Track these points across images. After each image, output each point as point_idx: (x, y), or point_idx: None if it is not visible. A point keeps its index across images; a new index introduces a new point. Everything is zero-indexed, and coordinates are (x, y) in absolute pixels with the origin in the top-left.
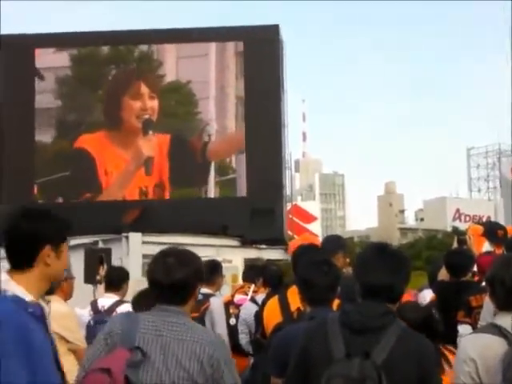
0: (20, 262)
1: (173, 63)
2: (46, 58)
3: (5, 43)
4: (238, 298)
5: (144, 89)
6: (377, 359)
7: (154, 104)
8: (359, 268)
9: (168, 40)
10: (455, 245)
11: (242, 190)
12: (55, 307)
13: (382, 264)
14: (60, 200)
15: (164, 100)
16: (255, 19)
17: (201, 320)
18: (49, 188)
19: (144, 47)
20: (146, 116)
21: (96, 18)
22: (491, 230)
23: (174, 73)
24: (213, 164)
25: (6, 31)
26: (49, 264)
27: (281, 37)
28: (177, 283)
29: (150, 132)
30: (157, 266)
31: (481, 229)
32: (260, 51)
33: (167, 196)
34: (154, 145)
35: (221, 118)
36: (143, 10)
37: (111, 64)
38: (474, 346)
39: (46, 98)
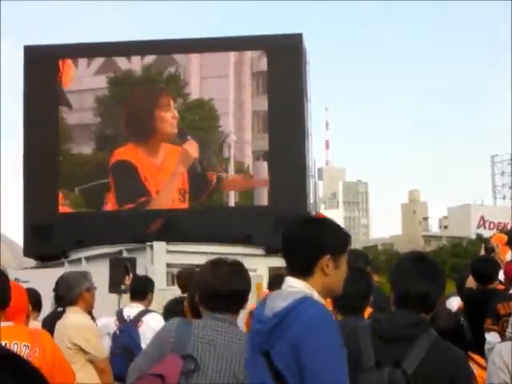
0: (300, 268)
1: (197, 83)
2: (85, 81)
3: (29, 54)
4: None
5: (172, 103)
6: (408, 369)
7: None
8: (396, 276)
9: (191, 49)
10: (482, 252)
11: (259, 195)
12: (74, 318)
13: (419, 273)
14: (108, 207)
15: (190, 115)
16: (278, 28)
17: None
18: (87, 196)
19: (172, 69)
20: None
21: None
22: None
23: (198, 91)
24: (232, 169)
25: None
26: (327, 274)
27: (304, 45)
28: (235, 293)
29: (189, 137)
30: (212, 275)
31: (505, 238)
32: (283, 60)
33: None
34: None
35: (239, 131)
36: (160, 20)
37: (143, 85)
38: (510, 353)
39: (86, 115)
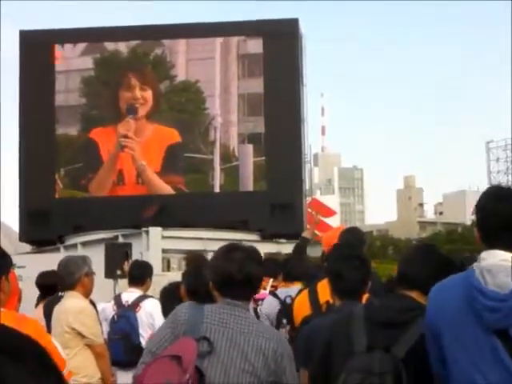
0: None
1: (183, 65)
2: (71, 62)
3: (23, 39)
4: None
5: (135, 82)
6: (398, 353)
7: (146, 94)
8: (402, 262)
9: (185, 34)
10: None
11: (244, 177)
12: (72, 303)
13: (426, 261)
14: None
15: (176, 97)
16: (275, 14)
17: None
18: (70, 177)
19: (158, 51)
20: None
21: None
22: None
23: (184, 73)
24: (218, 152)
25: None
26: None
27: (300, 31)
28: (250, 278)
29: (131, 116)
30: (227, 261)
31: None
32: (279, 45)
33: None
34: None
35: (225, 113)
36: (156, 6)
37: (129, 66)
38: None
39: (72, 96)
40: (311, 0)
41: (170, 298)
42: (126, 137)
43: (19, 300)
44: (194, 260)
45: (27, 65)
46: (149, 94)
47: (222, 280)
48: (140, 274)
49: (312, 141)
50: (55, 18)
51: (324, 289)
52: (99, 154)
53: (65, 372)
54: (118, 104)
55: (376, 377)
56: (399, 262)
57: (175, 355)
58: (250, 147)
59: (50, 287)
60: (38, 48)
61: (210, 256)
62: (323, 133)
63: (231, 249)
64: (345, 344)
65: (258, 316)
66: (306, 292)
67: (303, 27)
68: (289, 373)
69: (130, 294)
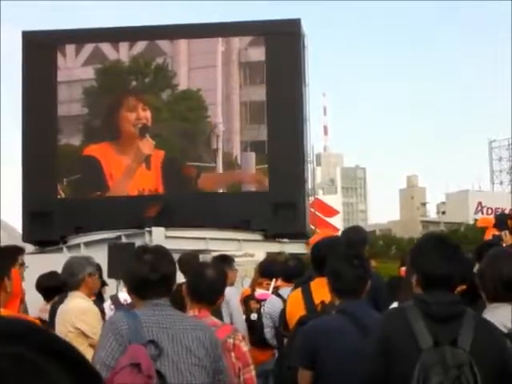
0: None
1: (185, 73)
2: (73, 72)
3: (27, 40)
4: (258, 292)
5: (136, 102)
6: (464, 346)
7: (146, 114)
8: (420, 258)
9: (186, 35)
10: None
11: (246, 186)
12: (76, 303)
13: (442, 254)
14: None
15: (178, 106)
16: (278, 14)
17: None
18: (72, 187)
19: (160, 60)
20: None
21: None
22: (502, 222)
23: (186, 82)
24: (220, 160)
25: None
26: None
27: (302, 31)
28: (164, 277)
29: (147, 135)
30: (139, 264)
31: (492, 220)
32: (282, 46)
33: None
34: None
35: (227, 122)
36: (158, 6)
37: (131, 76)
38: None
39: (75, 106)
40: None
41: (172, 298)
42: (149, 156)
43: (22, 301)
44: (188, 261)
45: (30, 66)
46: (148, 114)
47: (138, 282)
48: None
49: (314, 140)
50: (57, 20)
51: (318, 288)
52: (103, 171)
53: None
54: (117, 122)
55: (455, 369)
56: (419, 262)
57: (134, 363)
58: (252, 155)
59: (55, 289)
60: (40, 48)
61: (212, 256)
62: (326, 133)
63: (142, 251)
64: (407, 341)
65: (260, 316)
66: (299, 291)
67: (305, 27)
68: (223, 359)
69: (125, 296)
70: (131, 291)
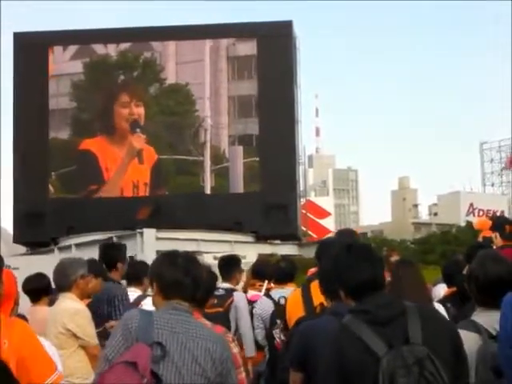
0: None
1: (173, 67)
2: (61, 66)
3: (18, 41)
4: (250, 294)
5: (129, 98)
6: (418, 341)
7: (139, 110)
8: (340, 272)
9: (177, 36)
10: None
11: (234, 178)
12: (68, 304)
13: (357, 259)
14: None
15: (166, 100)
16: (270, 16)
17: (225, 315)
18: (62, 181)
19: (148, 54)
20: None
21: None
22: (499, 225)
23: (174, 76)
24: (208, 153)
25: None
26: None
27: (294, 33)
28: (195, 280)
29: (138, 130)
30: (173, 268)
31: (488, 223)
32: (273, 47)
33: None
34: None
35: (215, 116)
36: (153, 8)
37: (119, 70)
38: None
39: (63, 100)
40: (306, 0)
41: None
42: (141, 150)
43: (16, 302)
44: None
45: (21, 66)
46: (141, 110)
47: (168, 284)
48: (135, 273)
49: (306, 142)
50: (47, 21)
51: (317, 290)
52: (99, 165)
53: (56, 374)
54: (112, 117)
55: (416, 366)
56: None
57: (130, 361)
58: (240, 149)
59: (41, 291)
60: (31, 49)
61: (204, 257)
62: (317, 134)
63: (173, 255)
64: (360, 352)
65: (252, 317)
66: (299, 292)
67: (297, 29)
68: (232, 374)
69: (129, 294)
70: (158, 291)
